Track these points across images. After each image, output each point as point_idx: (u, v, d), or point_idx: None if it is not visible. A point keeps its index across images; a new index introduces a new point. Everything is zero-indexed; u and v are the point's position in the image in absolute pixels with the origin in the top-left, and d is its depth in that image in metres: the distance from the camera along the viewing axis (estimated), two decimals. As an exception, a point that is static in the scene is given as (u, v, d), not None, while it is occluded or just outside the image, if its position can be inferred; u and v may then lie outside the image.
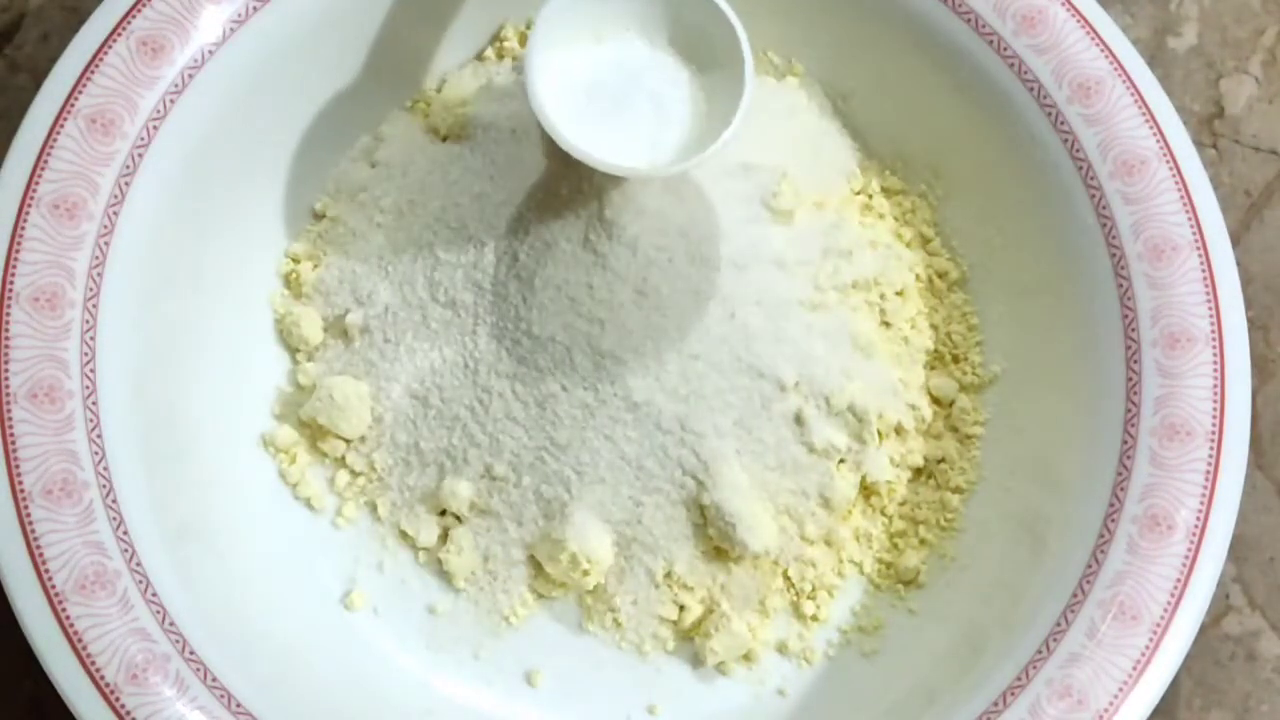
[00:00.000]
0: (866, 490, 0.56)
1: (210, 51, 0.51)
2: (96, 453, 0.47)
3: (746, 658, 0.54)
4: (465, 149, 0.57)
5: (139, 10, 0.50)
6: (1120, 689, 0.48)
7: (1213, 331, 0.52)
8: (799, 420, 0.54)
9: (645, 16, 0.50)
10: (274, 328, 0.57)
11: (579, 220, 0.52)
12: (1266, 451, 0.60)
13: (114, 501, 0.47)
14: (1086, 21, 0.55)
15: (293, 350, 0.56)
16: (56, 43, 0.61)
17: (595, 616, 0.55)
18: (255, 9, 0.52)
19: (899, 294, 0.58)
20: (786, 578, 0.55)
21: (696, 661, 0.54)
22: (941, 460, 0.57)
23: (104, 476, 0.47)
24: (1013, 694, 0.48)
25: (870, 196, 0.60)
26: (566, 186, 0.53)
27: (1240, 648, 0.58)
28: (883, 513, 0.56)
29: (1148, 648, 0.48)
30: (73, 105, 0.49)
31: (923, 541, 0.56)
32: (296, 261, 0.57)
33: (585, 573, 0.53)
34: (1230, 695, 0.57)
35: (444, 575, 0.54)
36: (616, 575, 0.54)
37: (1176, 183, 0.53)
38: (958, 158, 0.59)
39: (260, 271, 0.57)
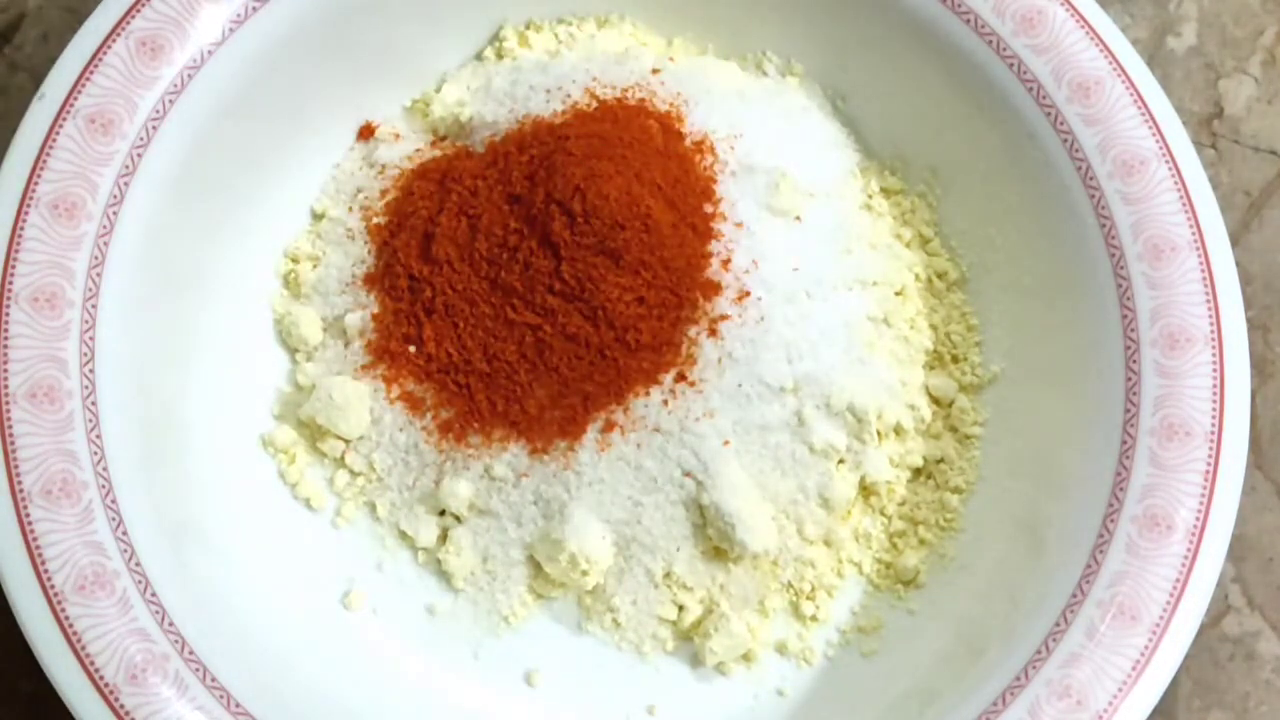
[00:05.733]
0: (866, 490, 0.56)
1: (210, 51, 0.51)
2: (95, 453, 0.47)
3: (746, 658, 0.54)
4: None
5: (138, 10, 0.50)
6: (1119, 689, 0.48)
7: (1212, 332, 0.52)
8: (799, 420, 0.54)
9: None
10: (273, 328, 0.57)
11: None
12: (1266, 451, 0.60)
13: (113, 501, 0.47)
14: (1086, 22, 0.55)
15: (292, 350, 0.56)
16: (56, 43, 0.61)
17: (594, 617, 0.55)
18: (254, 9, 0.52)
19: (898, 294, 0.58)
20: (777, 574, 0.55)
21: (696, 662, 0.54)
22: (941, 460, 0.57)
23: (103, 476, 0.47)
24: (1012, 694, 0.48)
25: (870, 196, 0.60)
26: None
27: (1239, 648, 0.58)
28: (882, 513, 0.56)
29: (1147, 648, 0.48)
30: (72, 105, 0.49)
31: (922, 541, 0.56)
32: (296, 261, 0.57)
33: (584, 573, 0.53)
34: (1230, 696, 0.57)
35: (443, 575, 0.54)
36: (616, 575, 0.54)
37: (1176, 183, 0.53)
38: (957, 158, 0.59)
39: (259, 271, 0.57)
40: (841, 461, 0.55)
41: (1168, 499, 0.50)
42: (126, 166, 0.50)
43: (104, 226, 0.49)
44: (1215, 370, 0.51)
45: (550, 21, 0.61)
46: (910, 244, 0.60)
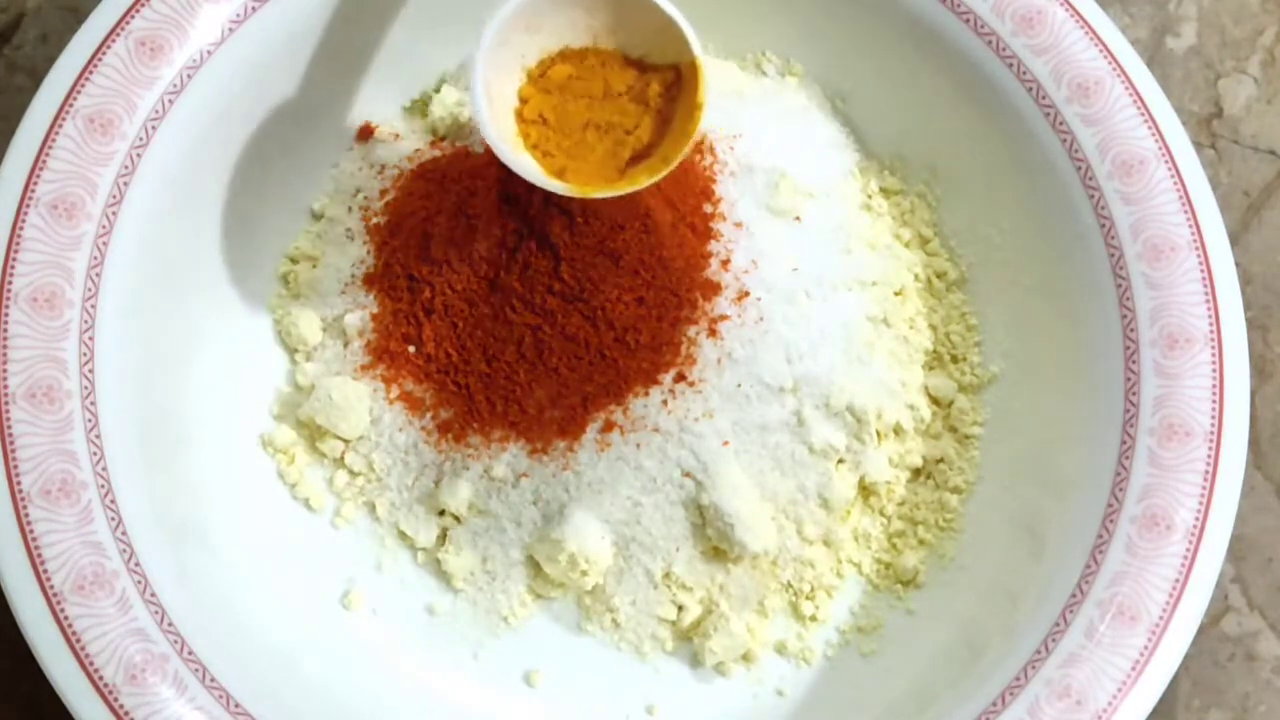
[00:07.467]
0: (865, 490, 0.56)
1: (209, 51, 0.51)
2: (95, 453, 0.47)
3: (745, 658, 0.54)
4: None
5: (138, 10, 0.50)
6: (1119, 689, 0.48)
7: (1211, 332, 0.52)
8: (798, 420, 0.54)
9: (593, 26, 0.50)
10: (272, 328, 0.57)
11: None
12: (1266, 451, 0.60)
13: (112, 502, 0.47)
14: (1085, 22, 0.55)
15: (291, 350, 0.56)
16: (55, 43, 0.61)
17: (594, 617, 0.55)
18: (254, 9, 0.52)
19: (898, 294, 0.58)
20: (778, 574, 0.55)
21: (695, 662, 0.54)
22: (940, 460, 0.57)
23: (102, 477, 0.47)
24: (1011, 694, 0.48)
25: (869, 197, 0.60)
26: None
27: (1239, 648, 0.58)
28: (881, 513, 0.56)
29: (1146, 648, 0.48)
30: (71, 105, 0.49)
31: (921, 542, 0.56)
32: (295, 262, 0.57)
33: (584, 573, 0.53)
34: (1229, 696, 0.57)
35: (443, 575, 0.54)
36: (615, 575, 0.54)
37: (1175, 183, 0.53)
38: (956, 158, 0.59)
39: (259, 271, 0.57)
40: (841, 461, 0.55)
41: (1167, 499, 0.50)
42: (126, 166, 0.50)
43: (104, 226, 0.49)
44: (1215, 370, 0.51)
45: (550, 21, 0.61)
46: (910, 244, 0.60)
